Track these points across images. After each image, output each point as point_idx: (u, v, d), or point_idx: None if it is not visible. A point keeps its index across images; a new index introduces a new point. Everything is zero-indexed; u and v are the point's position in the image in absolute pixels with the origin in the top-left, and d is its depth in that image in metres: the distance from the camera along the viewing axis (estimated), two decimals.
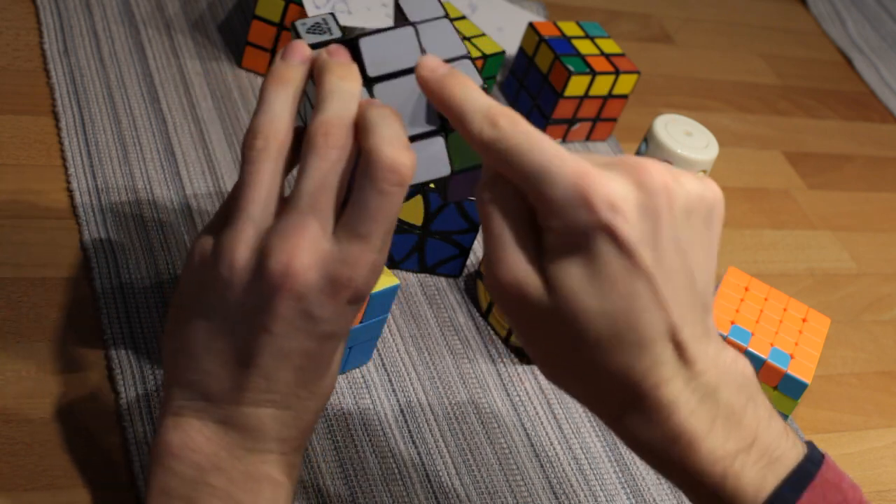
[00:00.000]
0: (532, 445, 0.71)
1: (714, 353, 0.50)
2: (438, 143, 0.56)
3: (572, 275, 0.48)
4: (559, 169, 0.48)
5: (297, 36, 0.57)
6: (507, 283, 0.50)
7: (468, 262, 0.81)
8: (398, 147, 0.51)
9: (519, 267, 0.49)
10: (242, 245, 0.52)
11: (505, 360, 0.75)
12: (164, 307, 0.69)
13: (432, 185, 0.69)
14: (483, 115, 0.50)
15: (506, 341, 0.76)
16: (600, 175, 0.48)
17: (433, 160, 0.56)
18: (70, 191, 0.74)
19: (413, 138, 0.55)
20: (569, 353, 0.49)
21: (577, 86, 0.92)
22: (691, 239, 0.49)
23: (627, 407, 0.49)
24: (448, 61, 0.54)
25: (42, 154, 0.76)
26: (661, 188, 0.48)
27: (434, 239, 0.77)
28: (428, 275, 0.79)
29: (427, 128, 0.56)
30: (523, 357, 0.76)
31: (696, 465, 0.49)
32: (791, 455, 0.50)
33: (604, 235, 0.47)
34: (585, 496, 0.69)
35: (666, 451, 0.50)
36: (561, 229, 0.48)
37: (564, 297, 0.48)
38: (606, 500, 0.69)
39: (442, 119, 0.56)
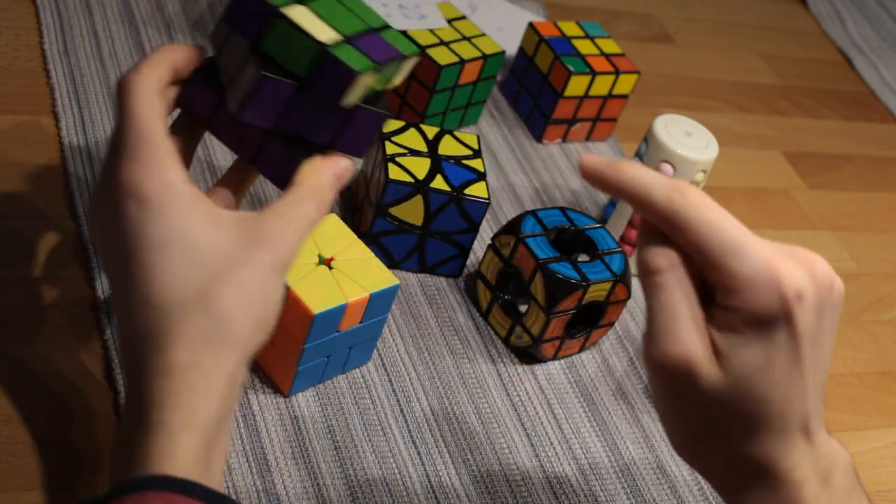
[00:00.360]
0: (532, 445, 0.71)
1: (826, 438, 0.53)
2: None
3: (749, 358, 0.49)
4: (751, 248, 0.49)
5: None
6: (676, 357, 0.50)
7: (468, 262, 0.81)
8: None
9: (692, 342, 0.50)
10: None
11: (505, 360, 0.75)
12: None
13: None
14: (666, 185, 0.51)
15: (506, 341, 0.76)
16: (787, 261, 0.49)
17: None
18: (70, 190, 0.74)
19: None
20: (715, 431, 0.51)
21: (577, 86, 0.92)
22: (832, 332, 0.52)
23: (758, 484, 0.51)
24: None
25: (42, 154, 0.76)
26: (829, 284, 0.50)
27: (434, 239, 0.77)
28: (428, 275, 0.79)
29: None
30: (523, 357, 0.76)
31: None
32: None
33: (784, 323, 0.49)
34: (585, 496, 0.69)
35: None
36: (745, 309, 0.49)
37: (737, 379, 0.50)
38: (606, 500, 0.69)
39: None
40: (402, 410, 0.69)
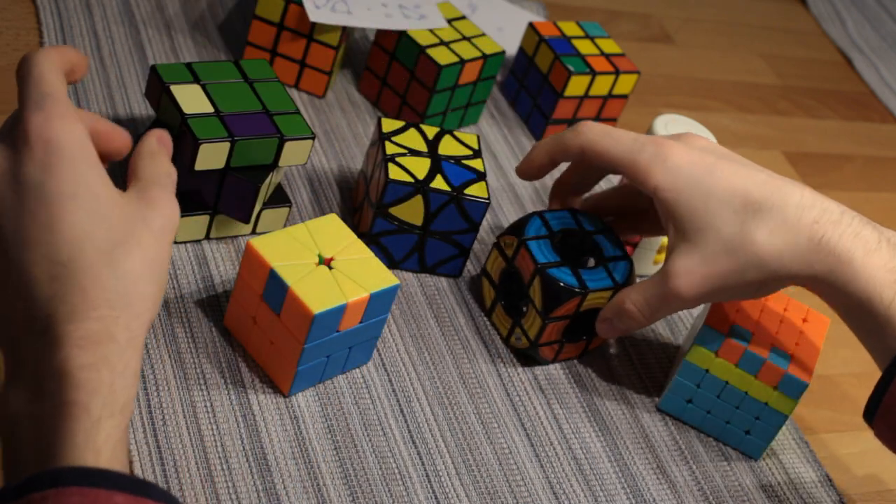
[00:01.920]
0: (532, 445, 0.71)
1: None
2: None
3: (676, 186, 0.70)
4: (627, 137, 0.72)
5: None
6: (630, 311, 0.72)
7: (468, 262, 0.81)
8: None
9: (625, 296, 0.73)
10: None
11: (505, 360, 0.75)
12: (164, 307, 0.69)
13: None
14: (568, 132, 0.74)
15: (506, 342, 0.76)
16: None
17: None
18: None
19: None
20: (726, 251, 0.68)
21: (577, 86, 0.93)
22: None
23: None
24: None
25: None
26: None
27: (434, 239, 0.77)
28: (428, 275, 0.79)
29: None
30: (523, 359, 0.76)
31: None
32: None
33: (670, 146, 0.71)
34: (585, 496, 0.69)
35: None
36: (635, 166, 0.72)
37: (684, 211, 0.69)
38: (606, 500, 0.69)
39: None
40: (402, 410, 0.69)
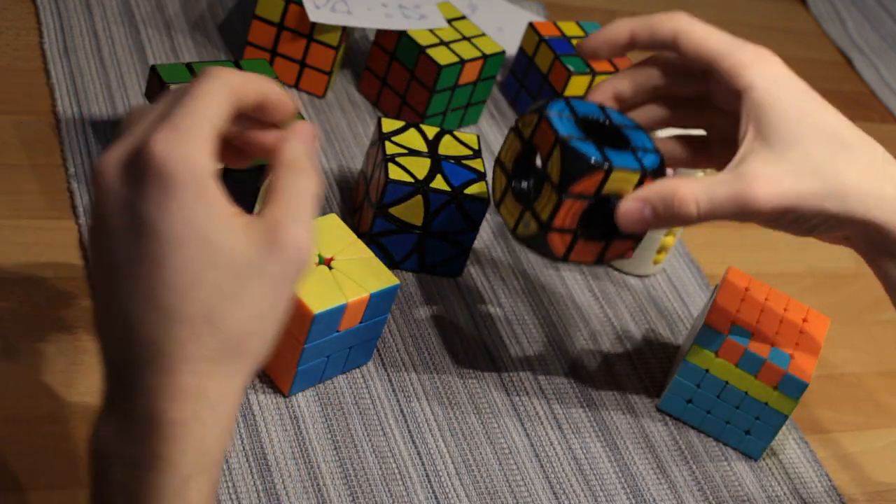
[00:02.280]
0: (532, 445, 0.71)
1: None
2: None
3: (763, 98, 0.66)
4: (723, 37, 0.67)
5: None
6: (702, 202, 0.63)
7: (468, 262, 0.81)
8: None
9: (689, 184, 0.64)
10: None
11: (505, 359, 0.75)
12: None
13: None
14: (662, 16, 0.68)
15: (514, 232, 0.67)
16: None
17: None
18: (70, 190, 0.74)
19: None
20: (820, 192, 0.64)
21: (577, 86, 0.92)
22: None
23: None
24: None
25: (42, 154, 0.76)
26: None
27: (434, 239, 0.77)
28: (428, 275, 0.79)
29: None
30: (523, 360, 0.76)
31: None
32: None
33: (774, 62, 0.68)
34: (585, 496, 0.69)
35: None
36: (733, 61, 0.66)
37: (771, 127, 0.65)
38: (606, 500, 0.69)
39: None
40: (402, 410, 0.69)
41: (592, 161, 0.63)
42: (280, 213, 0.50)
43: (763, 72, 0.66)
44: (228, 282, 0.48)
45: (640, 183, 0.65)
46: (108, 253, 0.48)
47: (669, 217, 0.63)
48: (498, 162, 0.69)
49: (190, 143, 0.47)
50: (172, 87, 0.70)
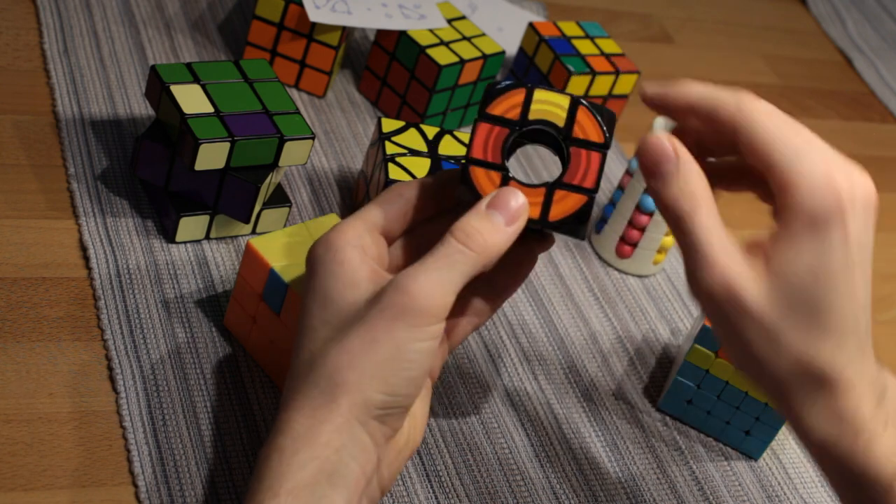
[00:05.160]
0: (532, 445, 0.71)
1: (875, 359, 0.53)
2: None
3: (804, 261, 0.51)
4: (813, 152, 0.51)
5: None
6: (717, 285, 0.51)
7: None
8: None
9: (729, 265, 0.51)
10: None
11: (505, 360, 0.75)
12: (164, 307, 0.69)
13: None
14: (734, 93, 0.53)
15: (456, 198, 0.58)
16: (843, 166, 0.51)
17: None
18: (70, 191, 0.74)
19: None
20: (773, 344, 0.51)
21: (577, 86, 0.93)
22: (872, 245, 0.53)
23: (817, 395, 0.52)
24: None
25: (42, 154, 0.76)
26: (873, 193, 0.52)
27: None
28: None
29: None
30: (524, 359, 0.76)
31: (869, 462, 0.52)
32: None
33: (839, 224, 0.50)
34: (585, 496, 0.69)
35: (841, 445, 0.52)
36: (803, 208, 0.50)
37: (791, 286, 0.51)
38: (606, 500, 0.69)
39: None
40: None
41: (512, 82, 0.58)
42: (414, 267, 0.55)
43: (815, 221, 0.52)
44: (334, 330, 0.55)
45: (573, 110, 0.57)
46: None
47: (671, 196, 0.54)
48: (474, 162, 0.57)
49: (334, 233, 0.57)
50: (172, 87, 0.70)
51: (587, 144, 0.57)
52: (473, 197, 0.56)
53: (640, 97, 0.58)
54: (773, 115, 0.52)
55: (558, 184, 0.57)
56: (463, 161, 0.57)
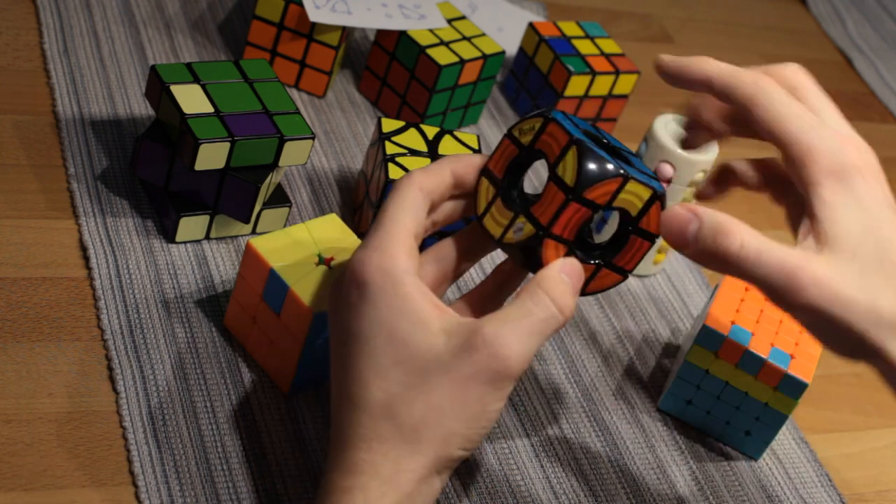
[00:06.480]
0: (532, 445, 0.71)
1: None
2: None
3: (849, 214, 0.56)
4: (824, 127, 0.58)
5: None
6: (778, 271, 0.54)
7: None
8: None
9: (783, 253, 0.55)
10: None
11: None
12: (164, 307, 0.69)
13: None
14: (752, 72, 0.61)
15: (500, 241, 0.60)
16: (851, 135, 0.60)
17: None
18: (70, 191, 0.74)
19: None
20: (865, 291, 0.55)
21: (577, 86, 0.93)
22: None
23: None
24: None
25: (42, 154, 0.76)
26: (877, 161, 0.61)
27: (434, 239, 0.77)
28: None
29: None
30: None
31: None
32: None
33: (858, 176, 0.57)
34: (585, 496, 0.69)
35: None
36: (827, 164, 0.56)
37: (850, 244, 0.55)
38: (606, 500, 0.69)
39: None
40: None
41: (612, 166, 0.58)
42: (492, 319, 0.55)
43: (842, 192, 0.58)
44: (412, 374, 0.54)
45: (649, 203, 0.60)
46: (331, 354, 0.57)
47: (709, 241, 0.56)
48: (485, 172, 0.62)
49: (383, 254, 0.55)
50: (172, 87, 0.70)
51: (645, 234, 0.61)
52: (534, 270, 0.59)
53: (655, 69, 0.61)
54: (787, 95, 0.58)
55: (608, 263, 0.60)
56: (540, 233, 0.59)
